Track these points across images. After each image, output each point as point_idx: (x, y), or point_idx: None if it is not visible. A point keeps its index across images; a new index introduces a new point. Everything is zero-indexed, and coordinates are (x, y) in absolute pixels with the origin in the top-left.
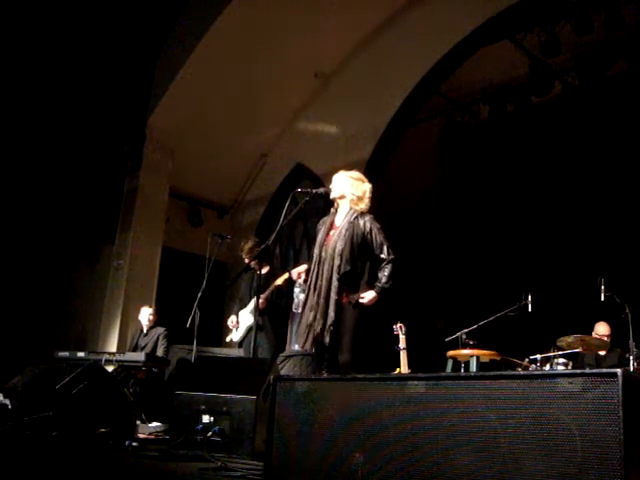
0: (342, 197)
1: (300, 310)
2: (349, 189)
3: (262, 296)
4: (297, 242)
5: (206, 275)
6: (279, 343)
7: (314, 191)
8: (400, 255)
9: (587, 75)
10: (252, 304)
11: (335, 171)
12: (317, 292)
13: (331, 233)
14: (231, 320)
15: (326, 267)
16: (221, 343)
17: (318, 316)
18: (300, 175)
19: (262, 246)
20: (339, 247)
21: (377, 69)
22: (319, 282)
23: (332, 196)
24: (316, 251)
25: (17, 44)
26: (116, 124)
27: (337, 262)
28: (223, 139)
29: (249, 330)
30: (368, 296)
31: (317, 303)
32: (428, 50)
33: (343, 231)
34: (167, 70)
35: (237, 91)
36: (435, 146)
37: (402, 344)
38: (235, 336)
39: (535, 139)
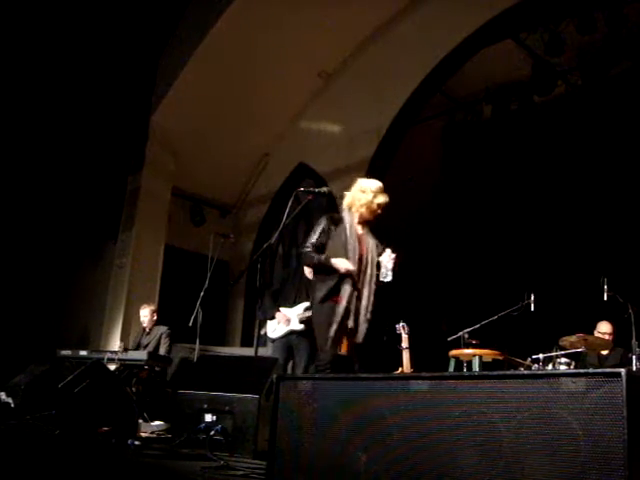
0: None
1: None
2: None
3: None
4: (300, 241)
5: (209, 274)
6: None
7: (317, 190)
8: (403, 254)
9: (590, 74)
10: (300, 309)
11: (338, 170)
12: (360, 298)
13: (364, 243)
14: (284, 316)
15: (367, 275)
16: (224, 342)
17: (361, 320)
18: (303, 174)
19: (265, 245)
20: (375, 258)
21: (380, 68)
22: (361, 288)
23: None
24: (356, 257)
25: (21, 42)
26: (119, 123)
27: (375, 272)
28: (226, 138)
29: (290, 334)
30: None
31: (358, 308)
32: (431, 49)
33: (371, 241)
34: (170, 69)
35: (240, 90)
36: (437, 145)
37: (405, 343)
38: (272, 331)
39: (538, 138)
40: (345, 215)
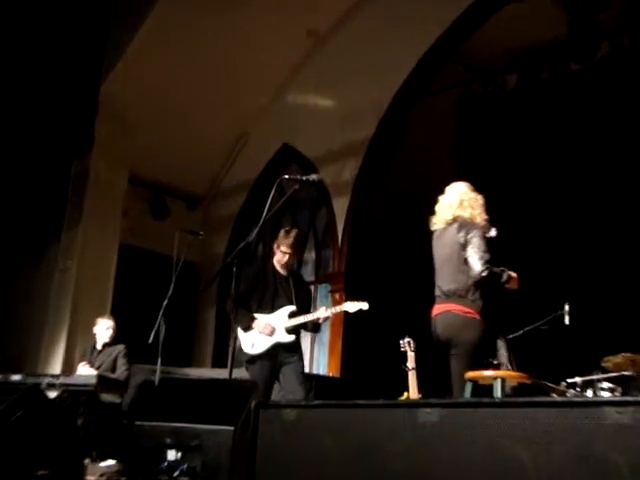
0: None
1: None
2: None
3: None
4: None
5: (173, 279)
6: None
7: (304, 178)
8: (409, 248)
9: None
10: (284, 315)
11: (330, 154)
12: None
13: None
14: (266, 325)
15: None
16: (191, 362)
17: None
18: (287, 158)
19: (241, 244)
20: None
21: (383, 28)
22: None
23: None
24: None
25: None
26: (62, 93)
27: None
28: (195, 114)
29: (276, 348)
30: None
31: None
32: (445, 5)
33: None
34: (125, 28)
35: (212, 56)
36: (451, 122)
37: (411, 363)
38: (250, 347)
39: (575, 113)
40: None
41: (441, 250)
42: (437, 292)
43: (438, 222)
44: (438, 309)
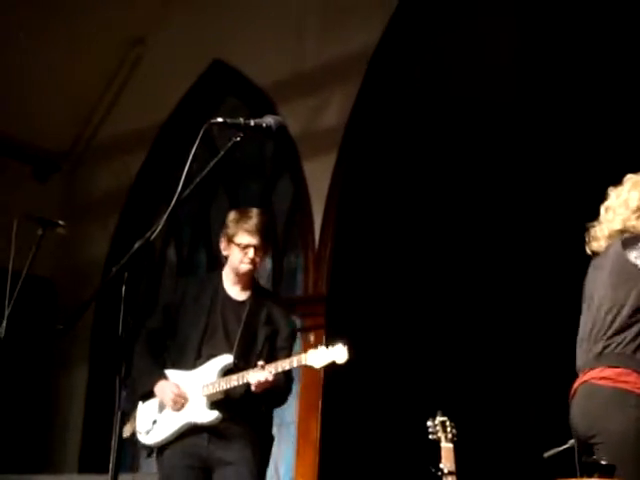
0: None
1: None
2: None
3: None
4: (214, 233)
5: (7, 312)
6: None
7: (253, 123)
8: (449, 250)
9: None
10: (212, 371)
11: (300, 77)
12: None
13: None
14: (173, 388)
15: None
16: (46, 465)
17: None
18: (222, 87)
19: (137, 244)
20: None
21: None
22: None
23: None
24: None
25: None
26: None
27: None
28: (53, 11)
29: (192, 433)
30: None
31: None
32: None
33: None
34: None
35: None
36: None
37: (448, 463)
38: (145, 432)
39: None
40: None
41: (593, 285)
42: (578, 358)
43: (601, 236)
44: (577, 382)
